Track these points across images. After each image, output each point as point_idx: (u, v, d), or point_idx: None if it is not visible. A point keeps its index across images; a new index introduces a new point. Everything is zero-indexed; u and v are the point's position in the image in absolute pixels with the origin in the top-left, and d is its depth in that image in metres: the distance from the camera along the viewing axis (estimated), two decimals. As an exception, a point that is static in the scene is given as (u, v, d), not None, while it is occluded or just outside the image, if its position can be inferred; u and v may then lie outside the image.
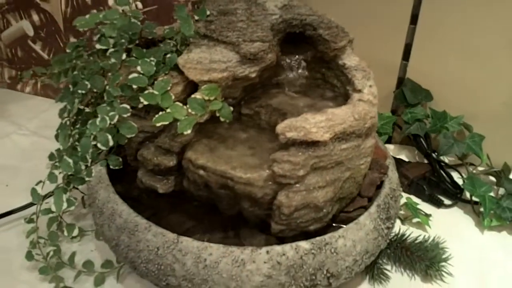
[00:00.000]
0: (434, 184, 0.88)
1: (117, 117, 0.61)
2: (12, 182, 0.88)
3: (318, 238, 0.62)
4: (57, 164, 0.72)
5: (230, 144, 0.66)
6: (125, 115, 0.62)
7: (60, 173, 0.72)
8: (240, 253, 0.59)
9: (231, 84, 0.64)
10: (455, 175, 0.91)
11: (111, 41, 0.68)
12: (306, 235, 0.63)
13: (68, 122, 0.67)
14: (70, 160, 0.69)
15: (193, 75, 0.63)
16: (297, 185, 0.60)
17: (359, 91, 0.65)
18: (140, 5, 0.96)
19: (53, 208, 0.71)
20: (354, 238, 0.63)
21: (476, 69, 0.90)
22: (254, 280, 0.59)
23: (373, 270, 0.73)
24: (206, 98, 0.62)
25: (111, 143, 0.62)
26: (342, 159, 0.62)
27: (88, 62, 0.67)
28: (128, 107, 0.62)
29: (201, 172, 0.63)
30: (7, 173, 0.90)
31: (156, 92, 0.62)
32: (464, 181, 0.86)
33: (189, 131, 0.61)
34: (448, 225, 0.82)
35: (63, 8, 1.01)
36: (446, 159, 0.94)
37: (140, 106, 0.63)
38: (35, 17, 1.03)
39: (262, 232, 0.67)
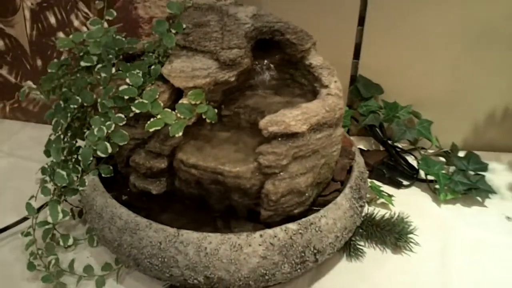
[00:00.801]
0: (392, 168, 0.97)
1: (113, 126, 0.66)
2: (-2, 202, 0.90)
3: (303, 219, 0.69)
4: (46, 178, 0.76)
5: (215, 143, 0.72)
6: (120, 124, 0.67)
7: (53, 186, 0.76)
8: (236, 238, 0.66)
9: (213, 89, 0.70)
10: (409, 159, 1.01)
11: (95, 58, 0.73)
12: (290, 220, 0.70)
13: (62, 136, 0.72)
14: (64, 172, 0.74)
15: (178, 83, 0.69)
16: (282, 173, 0.67)
17: (326, 86, 0.73)
18: (105, 24, 1.01)
19: (50, 220, 0.75)
20: (334, 217, 0.71)
21: (420, 62, 1.00)
22: (251, 262, 0.66)
23: (349, 248, 0.81)
24: (193, 102, 0.68)
25: (110, 150, 0.67)
26: (318, 147, 0.70)
27: (75, 79, 0.72)
28: (123, 116, 0.67)
29: (193, 170, 0.69)
30: (-9, 194, 0.92)
31: (145, 101, 0.68)
32: (418, 163, 0.96)
33: (180, 133, 0.67)
34: (409, 202, 0.91)
35: (28, 31, 1.04)
36: (399, 145, 1.03)
37: (131, 115, 0.68)
38: (0, 43, 1.06)
39: (250, 221, 0.73)
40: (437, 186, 0.93)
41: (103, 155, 0.67)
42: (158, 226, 0.67)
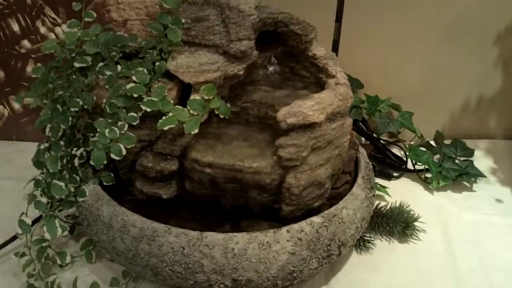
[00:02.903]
0: (381, 161, 0.98)
1: (126, 126, 0.62)
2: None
3: (326, 212, 0.67)
4: (36, 192, 0.71)
5: (226, 140, 0.69)
6: (134, 123, 0.62)
7: (47, 199, 0.70)
8: (264, 236, 0.63)
9: (222, 84, 0.68)
10: (394, 151, 1.02)
11: (89, 58, 0.68)
12: (308, 216, 0.68)
13: (62, 142, 0.66)
14: (62, 183, 0.68)
15: (188, 78, 0.66)
16: (302, 166, 0.65)
17: (334, 76, 0.72)
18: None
19: (47, 236, 0.69)
20: (354, 207, 0.70)
21: (396, 56, 1.02)
22: (280, 259, 0.63)
23: (358, 241, 0.80)
24: (206, 97, 0.65)
25: (123, 152, 0.62)
26: (332, 138, 0.69)
27: (71, 81, 0.66)
28: (136, 115, 0.63)
29: (208, 170, 0.66)
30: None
31: (155, 99, 0.64)
32: (406, 154, 0.97)
33: (196, 130, 0.63)
34: (403, 192, 0.92)
35: (-11, 41, 0.97)
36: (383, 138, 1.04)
37: (139, 114, 0.64)
38: (-45, 55, 0.97)
39: (261, 220, 0.71)
40: (427, 175, 0.95)
41: (117, 158, 0.62)
42: (179, 231, 0.63)
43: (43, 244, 0.71)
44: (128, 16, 0.96)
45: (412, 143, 1.01)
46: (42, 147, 0.72)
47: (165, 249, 0.63)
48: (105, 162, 0.62)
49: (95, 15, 0.77)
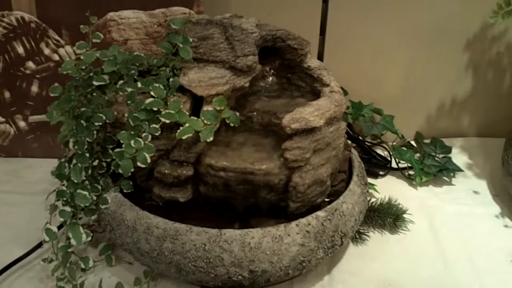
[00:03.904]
0: (367, 161, 1.06)
1: (150, 137, 0.68)
2: (-8, 238, 0.87)
3: (328, 206, 0.75)
4: (57, 203, 0.76)
5: (234, 146, 0.76)
6: (156, 134, 0.69)
7: (70, 208, 0.76)
8: (276, 230, 0.70)
9: (229, 95, 0.75)
10: (379, 151, 1.10)
11: (106, 77, 0.75)
12: (311, 212, 0.75)
13: (87, 154, 0.72)
14: (86, 192, 0.74)
15: (201, 92, 0.73)
16: (306, 166, 0.73)
17: (328, 85, 0.80)
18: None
19: (73, 242, 0.75)
20: (352, 202, 0.78)
21: (377, 64, 1.11)
22: (291, 250, 0.70)
23: (354, 234, 0.88)
24: (218, 108, 0.72)
25: (148, 160, 0.69)
26: (330, 140, 0.76)
27: (92, 98, 0.73)
28: (158, 126, 0.69)
29: (221, 173, 0.73)
30: (-18, 231, 0.89)
31: (172, 111, 0.70)
32: (390, 153, 1.06)
33: (211, 138, 0.70)
34: (389, 189, 1.00)
35: (-6, 63, 1.02)
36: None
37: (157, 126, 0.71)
38: (-38, 78, 1.02)
39: (269, 217, 0.78)
40: (411, 172, 1.04)
41: (143, 165, 0.69)
42: (200, 229, 0.70)
43: (68, 250, 0.76)
44: (128, 36, 1.02)
45: (394, 143, 1.10)
46: (62, 160, 0.78)
47: (187, 246, 0.69)
48: (132, 170, 0.68)
49: (102, 36, 0.83)
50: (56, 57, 1.02)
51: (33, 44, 1.01)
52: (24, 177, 1.02)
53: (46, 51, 1.01)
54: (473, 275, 0.81)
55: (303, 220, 0.72)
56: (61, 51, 1.01)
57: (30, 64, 1.02)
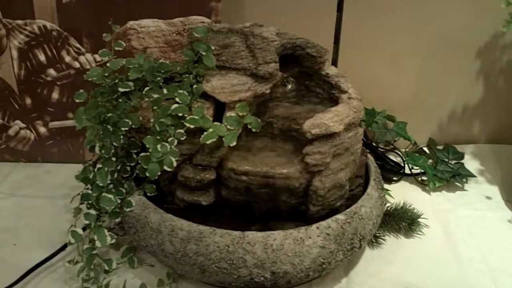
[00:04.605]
0: (381, 167, 1.07)
1: (176, 141, 0.71)
2: (18, 241, 0.89)
3: (348, 210, 0.77)
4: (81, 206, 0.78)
5: (255, 151, 0.79)
6: (182, 139, 0.71)
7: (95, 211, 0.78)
8: (297, 233, 0.72)
9: (251, 102, 0.77)
10: (391, 157, 1.12)
11: (131, 84, 0.77)
12: (329, 216, 0.77)
13: (114, 158, 0.74)
14: (111, 196, 0.76)
15: (224, 98, 0.75)
16: (326, 170, 0.75)
17: (346, 92, 0.82)
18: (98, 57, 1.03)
19: (98, 244, 0.77)
20: (370, 205, 0.80)
21: (390, 72, 1.13)
22: (312, 252, 0.72)
23: (370, 238, 0.89)
24: (240, 114, 0.74)
25: (175, 164, 0.71)
26: (349, 145, 0.78)
27: (117, 104, 0.75)
28: (183, 131, 0.71)
29: (243, 177, 0.75)
30: (8, 234, 0.90)
31: (196, 117, 0.73)
32: (403, 159, 1.08)
33: (234, 143, 0.72)
34: (403, 194, 1.02)
35: (16, 71, 1.04)
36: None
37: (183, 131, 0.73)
38: (-16, 85, 1.05)
39: (288, 221, 0.80)
40: (424, 178, 1.05)
41: (169, 169, 0.71)
42: (223, 231, 0.72)
43: (93, 252, 0.78)
44: (148, 44, 1.05)
45: (407, 150, 1.12)
46: (87, 164, 0.80)
47: (211, 248, 0.71)
48: (159, 173, 0.71)
49: (124, 44, 0.86)
50: (76, 64, 1.04)
51: (54, 51, 1.03)
52: (44, 182, 1.05)
53: (67, 58, 1.04)
54: (488, 277, 0.83)
55: (323, 223, 0.74)
56: (82, 58, 1.04)
57: (51, 71, 1.04)
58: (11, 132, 1.08)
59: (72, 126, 1.07)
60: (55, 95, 1.06)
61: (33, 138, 1.09)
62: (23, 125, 1.08)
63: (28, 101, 1.06)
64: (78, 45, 1.03)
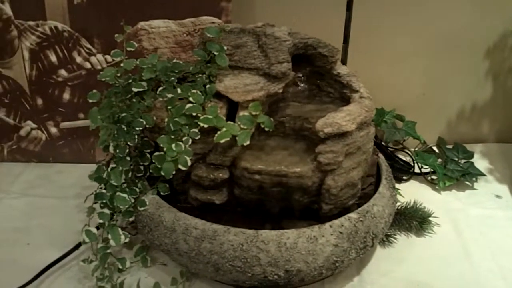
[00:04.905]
0: (390, 166, 1.08)
1: (190, 141, 0.71)
2: (31, 240, 0.89)
3: (360, 208, 0.77)
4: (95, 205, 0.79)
5: (268, 150, 0.79)
6: (196, 138, 0.72)
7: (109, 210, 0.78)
8: (311, 231, 0.73)
9: (264, 101, 0.77)
10: (401, 157, 1.13)
11: (144, 84, 0.78)
12: (342, 214, 0.78)
13: (128, 157, 0.75)
14: (125, 195, 0.77)
15: (237, 97, 0.75)
16: (339, 169, 0.75)
17: (357, 91, 0.82)
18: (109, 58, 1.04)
19: (112, 243, 0.77)
20: (382, 204, 0.80)
21: (399, 71, 1.13)
22: (325, 251, 0.72)
23: (382, 237, 0.90)
24: (253, 113, 0.75)
25: (189, 163, 0.71)
26: (361, 144, 0.79)
27: (130, 104, 0.76)
28: (197, 131, 0.72)
29: (256, 176, 0.75)
30: (21, 234, 0.91)
31: (210, 116, 0.73)
32: (413, 158, 1.08)
33: (248, 142, 0.73)
34: (413, 193, 1.02)
35: (27, 71, 1.05)
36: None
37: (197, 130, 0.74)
38: (-3, 86, 1.05)
39: (300, 219, 0.80)
40: (434, 177, 1.06)
41: (184, 168, 0.71)
42: (237, 230, 0.72)
43: (106, 251, 0.79)
44: (158, 45, 1.06)
45: (416, 149, 1.12)
46: (101, 164, 0.81)
47: (225, 246, 0.72)
48: (173, 172, 0.71)
49: (136, 45, 0.86)
50: (87, 65, 1.05)
51: (65, 52, 1.04)
52: (55, 182, 1.05)
53: (78, 59, 1.04)
54: (498, 275, 0.84)
55: (336, 222, 0.74)
56: (93, 59, 1.04)
57: (63, 72, 1.05)
58: (22, 132, 1.09)
59: (83, 127, 1.08)
60: (66, 95, 1.06)
61: (44, 139, 1.09)
62: (34, 125, 1.08)
63: (39, 101, 1.07)
64: (89, 46, 1.03)
